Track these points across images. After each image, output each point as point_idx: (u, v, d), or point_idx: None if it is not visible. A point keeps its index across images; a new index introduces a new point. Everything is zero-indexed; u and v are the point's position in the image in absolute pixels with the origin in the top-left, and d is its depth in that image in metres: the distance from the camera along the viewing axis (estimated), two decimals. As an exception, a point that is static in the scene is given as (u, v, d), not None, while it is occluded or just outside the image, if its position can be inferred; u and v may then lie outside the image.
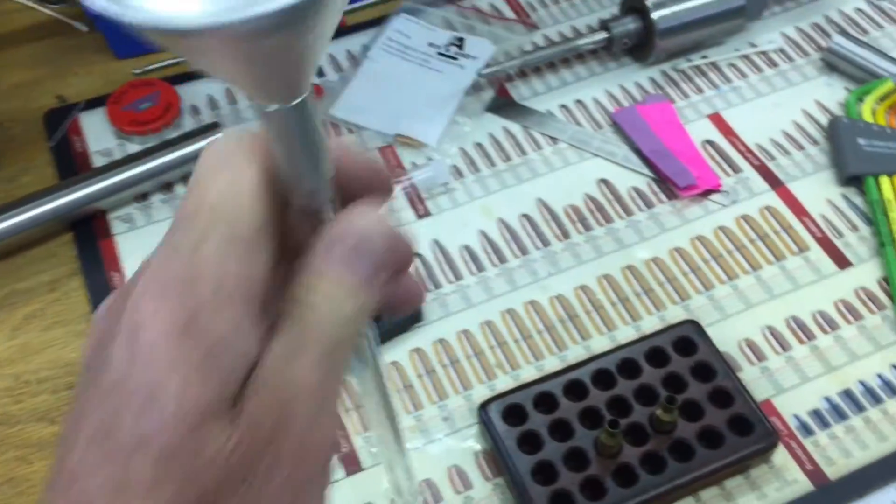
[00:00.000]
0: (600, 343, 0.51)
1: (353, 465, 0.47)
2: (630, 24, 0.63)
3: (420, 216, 0.57)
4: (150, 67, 0.65)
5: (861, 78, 0.62)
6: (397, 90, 0.62)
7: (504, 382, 0.49)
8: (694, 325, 0.50)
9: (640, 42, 0.64)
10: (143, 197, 0.58)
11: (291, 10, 0.16)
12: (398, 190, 0.58)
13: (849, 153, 0.58)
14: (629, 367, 0.48)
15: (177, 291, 0.21)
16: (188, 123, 0.61)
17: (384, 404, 0.29)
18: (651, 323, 0.52)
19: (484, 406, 0.47)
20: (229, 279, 0.21)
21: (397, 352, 0.51)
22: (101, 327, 0.23)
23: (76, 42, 0.67)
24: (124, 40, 0.65)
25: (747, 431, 0.45)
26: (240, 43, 0.17)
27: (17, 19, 0.68)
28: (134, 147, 0.60)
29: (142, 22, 0.16)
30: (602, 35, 0.63)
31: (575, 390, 0.47)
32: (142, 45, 0.65)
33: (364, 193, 0.24)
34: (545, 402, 0.47)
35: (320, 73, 0.64)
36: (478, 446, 0.47)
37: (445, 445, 0.48)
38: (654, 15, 0.62)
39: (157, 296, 0.21)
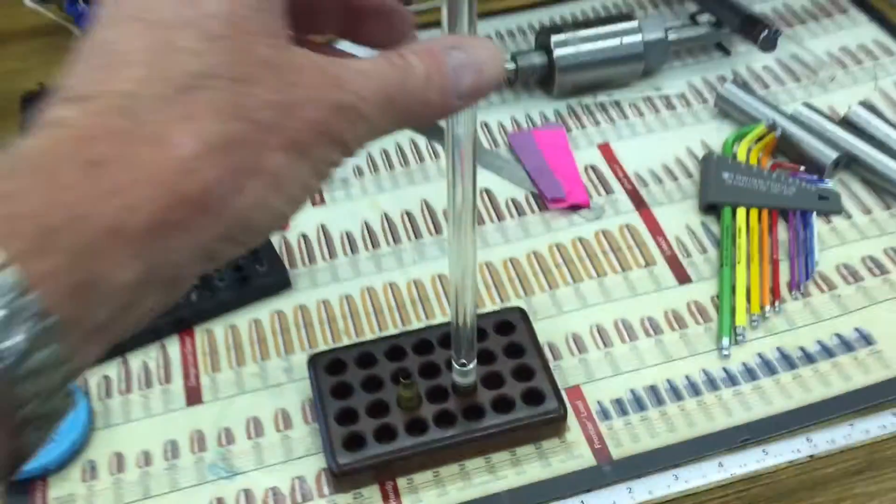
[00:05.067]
0: (439, 321, 0.56)
1: (195, 398, 0.53)
2: (536, 59, 0.70)
3: (314, 204, 0.64)
4: (122, 66, 0.75)
5: (745, 122, 0.67)
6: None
7: (344, 344, 0.55)
8: (520, 312, 0.54)
9: (546, 76, 0.70)
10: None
11: None
12: (299, 180, 0.65)
13: (712, 184, 0.62)
14: (448, 340, 0.53)
15: None
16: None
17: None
18: (491, 310, 0.57)
19: (313, 358, 0.53)
20: None
21: (260, 311, 0.58)
22: None
23: (70, 43, 0.78)
24: (104, 42, 0.75)
25: (538, 402, 0.50)
26: None
27: (25, 20, 0.80)
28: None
29: None
30: (511, 66, 0.70)
31: (394, 354, 0.52)
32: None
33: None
34: (365, 360, 0.52)
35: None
36: (306, 395, 0.53)
37: (280, 391, 0.53)
38: (556, 52, 0.69)
39: None
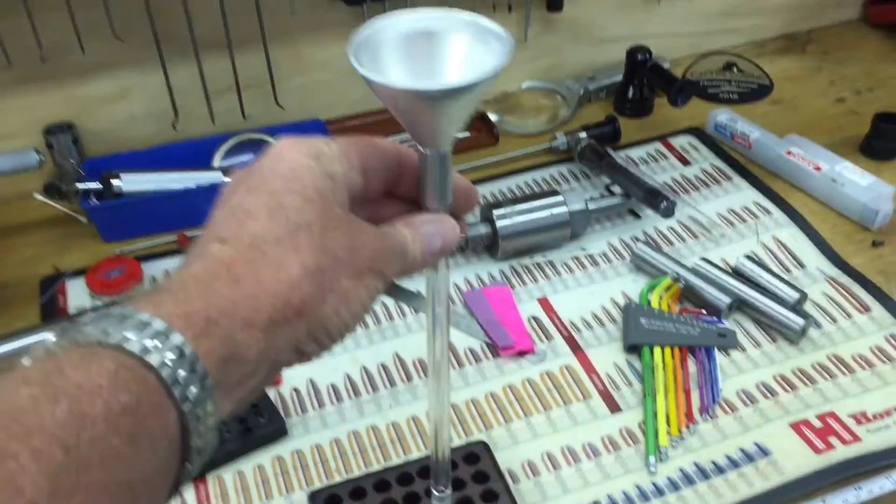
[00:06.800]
0: (415, 457, 0.67)
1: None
2: (482, 229, 0.84)
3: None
4: (126, 249, 0.87)
5: (656, 275, 0.82)
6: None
7: (338, 482, 0.65)
8: (483, 445, 0.66)
9: (492, 242, 0.84)
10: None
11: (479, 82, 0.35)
12: (288, 341, 0.76)
13: (632, 328, 0.75)
14: (425, 472, 0.63)
15: (307, 144, 0.38)
16: (146, 288, 0.82)
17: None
18: (459, 444, 0.68)
19: (312, 494, 0.63)
20: (343, 155, 0.39)
21: (262, 457, 0.67)
22: (236, 176, 0.38)
23: (76, 230, 0.90)
24: (110, 229, 0.87)
25: (503, 520, 0.60)
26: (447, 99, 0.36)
27: (36, 212, 0.91)
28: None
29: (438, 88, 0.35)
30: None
31: (381, 486, 0.63)
32: (122, 231, 0.88)
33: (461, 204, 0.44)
34: (357, 493, 0.62)
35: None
36: (307, 527, 0.63)
37: (284, 525, 0.63)
38: (498, 224, 0.83)
39: (294, 142, 0.38)
